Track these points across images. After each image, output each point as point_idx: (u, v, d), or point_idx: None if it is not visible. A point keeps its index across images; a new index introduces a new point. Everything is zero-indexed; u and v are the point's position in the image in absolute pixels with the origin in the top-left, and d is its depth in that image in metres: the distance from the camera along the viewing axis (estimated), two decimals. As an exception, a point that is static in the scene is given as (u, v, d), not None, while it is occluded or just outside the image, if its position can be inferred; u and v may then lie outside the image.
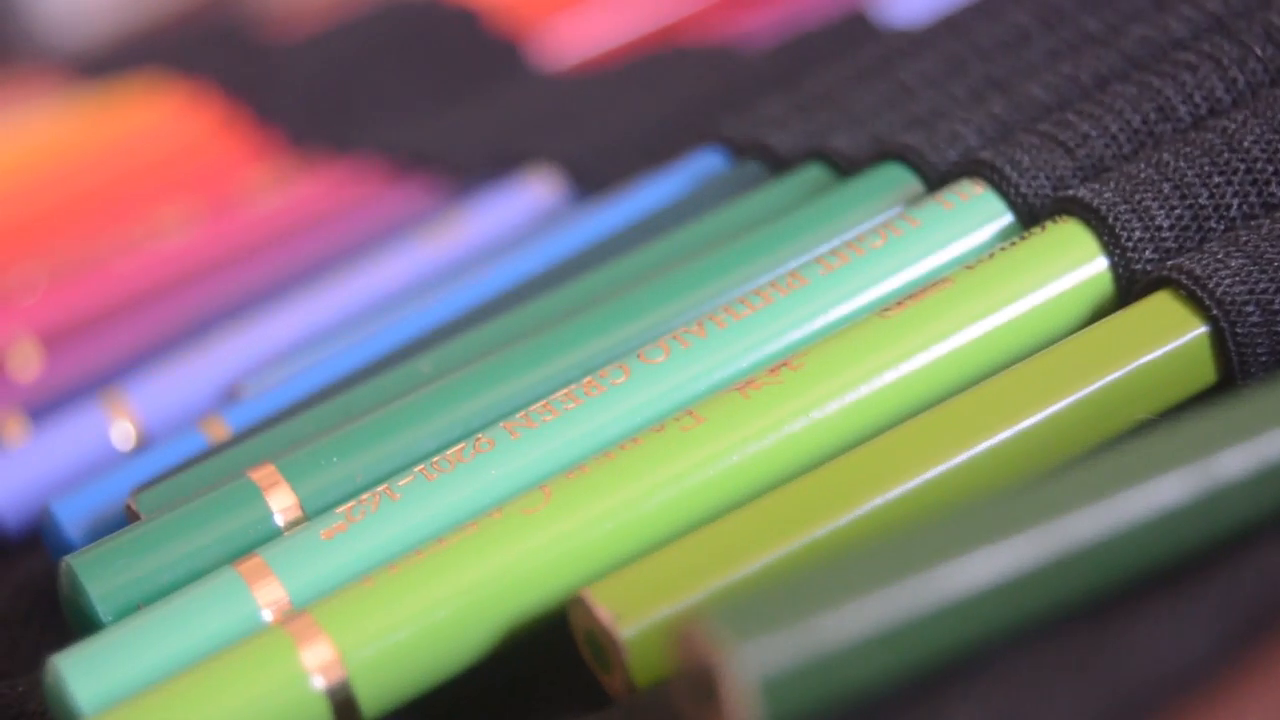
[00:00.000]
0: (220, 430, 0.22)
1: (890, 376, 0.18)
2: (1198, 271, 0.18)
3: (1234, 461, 0.15)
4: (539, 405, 0.18)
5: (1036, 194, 0.20)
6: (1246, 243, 0.18)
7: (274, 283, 0.29)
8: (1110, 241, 0.19)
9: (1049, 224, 0.19)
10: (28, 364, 0.28)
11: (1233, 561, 0.15)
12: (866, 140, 0.23)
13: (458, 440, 0.19)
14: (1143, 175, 0.19)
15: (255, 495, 0.19)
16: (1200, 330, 0.18)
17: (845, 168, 0.23)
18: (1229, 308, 0.18)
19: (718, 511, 0.17)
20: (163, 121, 0.37)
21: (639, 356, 0.19)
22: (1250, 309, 0.18)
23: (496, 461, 0.18)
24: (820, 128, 0.24)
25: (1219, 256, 0.18)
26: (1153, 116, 0.21)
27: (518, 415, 0.18)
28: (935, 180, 0.21)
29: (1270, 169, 0.19)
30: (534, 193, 0.28)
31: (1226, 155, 0.19)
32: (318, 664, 0.16)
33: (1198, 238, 0.19)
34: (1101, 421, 0.17)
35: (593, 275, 0.22)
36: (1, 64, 0.48)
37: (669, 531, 0.17)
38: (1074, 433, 0.17)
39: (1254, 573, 0.15)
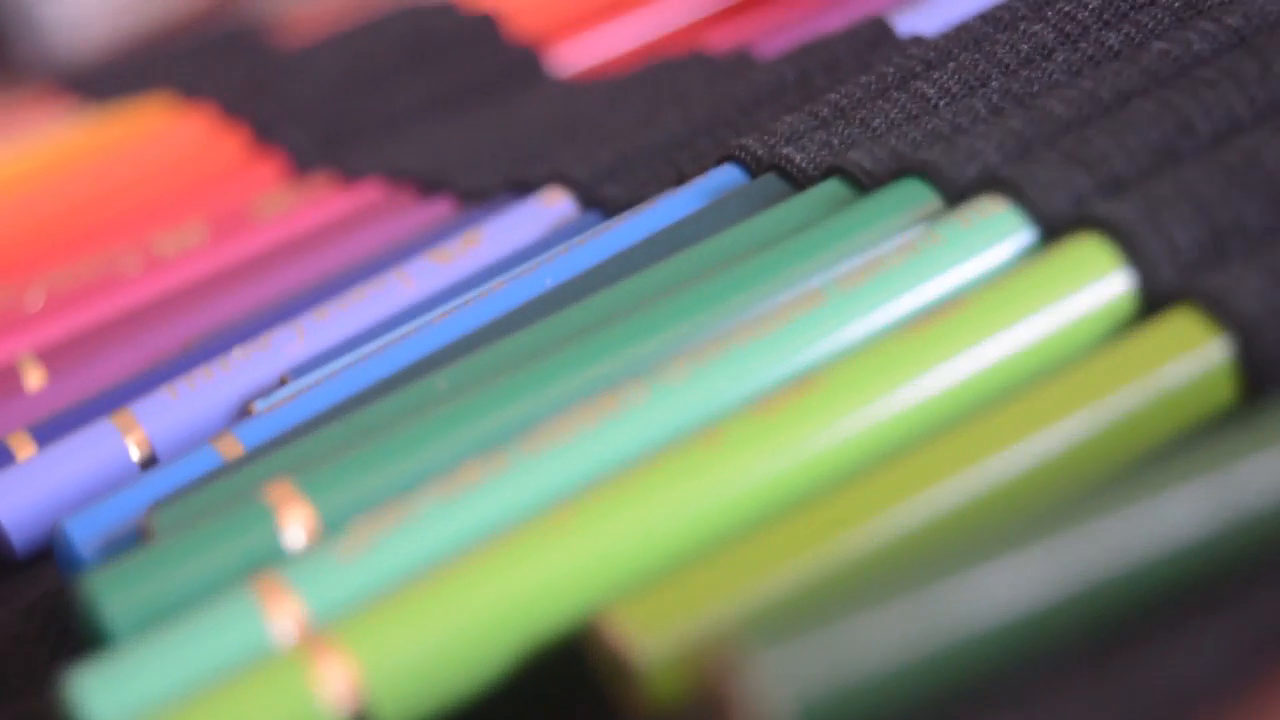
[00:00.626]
0: (233, 447, 0.22)
1: (913, 395, 0.18)
2: (1218, 290, 0.18)
3: (1256, 479, 0.15)
4: (557, 423, 0.18)
5: (1056, 211, 0.20)
6: (1268, 262, 0.18)
7: (284, 299, 0.29)
8: (1131, 259, 0.19)
9: (1069, 241, 0.20)
10: (36, 380, 0.28)
11: (1255, 579, 0.15)
12: (885, 155, 0.23)
13: (477, 457, 0.19)
14: (1163, 193, 0.20)
15: (273, 512, 0.19)
16: (1220, 349, 0.18)
17: (864, 183, 0.23)
18: (1249, 326, 0.18)
19: (738, 532, 0.17)
20: (171, 137, 0.37)
21: (657, 375, 0.19)
22: (1271, 328, 0.18)
23: (515, 479, 0.18)
24: (839, 142, 0.25)
25: (1239, 275, 0.18)
26: (1173, 133, 0.21)
27: (536, 433, 0.18)
28: (955, 196, 0.22)
29: (1292, 186, 0.19)
30: (549, 207, 0.28)
31: (1247, 173, 0.20)
32: (338, 684, 0.16)
33: (1218, 256, 0.19)
34: (1123, 439, 0.17)
35: (609, 292, 0.23)
36: (6, 79, 0.49)
37: (690, 552, 0.17)
38: (1096, 450, 0.17)
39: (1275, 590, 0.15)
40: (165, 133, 0.38)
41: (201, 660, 0.17)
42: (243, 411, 0.24)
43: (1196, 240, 0.19)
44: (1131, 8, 0.25)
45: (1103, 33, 0.25)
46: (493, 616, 0.17)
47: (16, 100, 0.45)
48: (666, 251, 0.23)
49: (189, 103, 0.39)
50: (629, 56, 0.37)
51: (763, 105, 0.29)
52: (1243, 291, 0.18)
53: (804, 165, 0.24)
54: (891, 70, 0.26)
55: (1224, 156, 0.20)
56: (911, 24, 0.30)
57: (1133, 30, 0.24)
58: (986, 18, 0.26)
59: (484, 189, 0.30)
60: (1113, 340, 0.18)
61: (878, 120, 0.25)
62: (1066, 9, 0.25)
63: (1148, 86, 0.22)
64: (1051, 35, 0.25)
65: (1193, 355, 0.18)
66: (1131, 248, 0.19)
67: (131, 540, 0.21)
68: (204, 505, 0.20)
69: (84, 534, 0.21)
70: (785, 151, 0.25)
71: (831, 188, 0.23)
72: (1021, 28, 0.25)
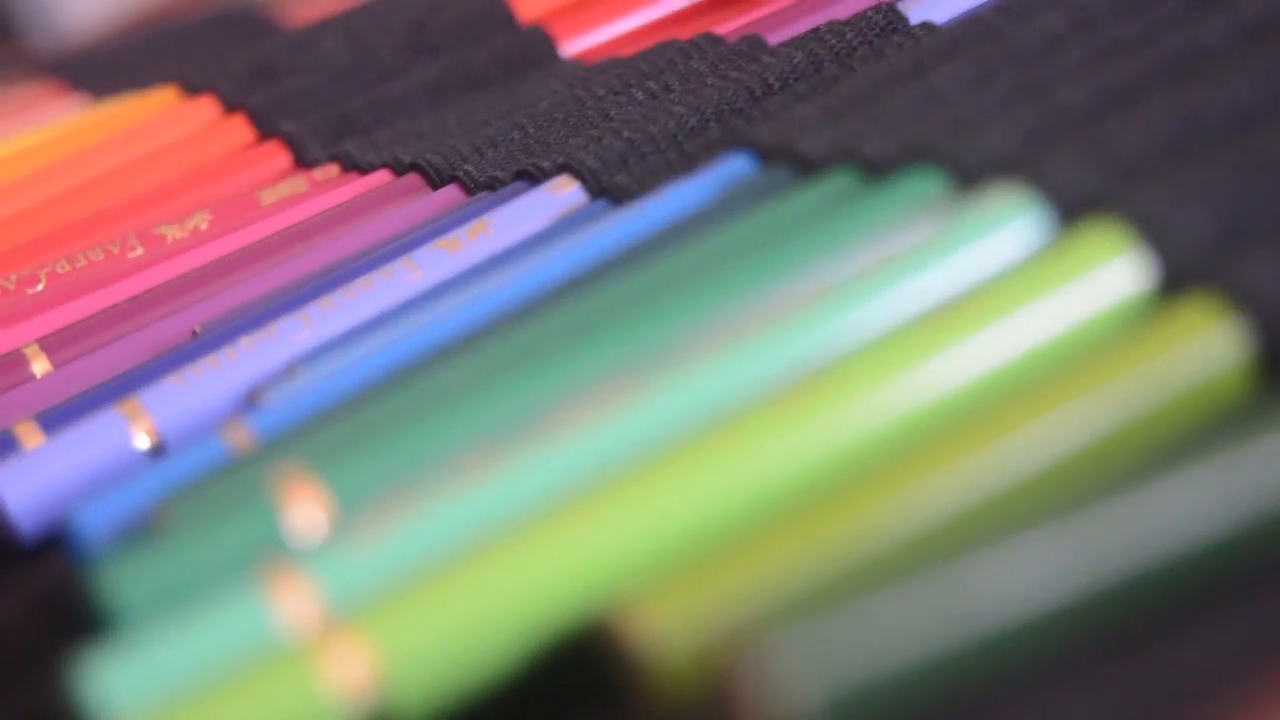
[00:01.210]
0: (242, 435, 0.23)
1: (936, 383, 0.18)
2: (1240, 276, 0.18)
3: (1275, 470, 0.15)
4: (579, 409, 0.19)
5: (1074, 197, 0.20)
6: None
7: (291, 287, 0.29)
8: (1151, 245, 0.19)
9: (1087, 228, 0.20)
10: (42, 368, 0.29)
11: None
12: (897, 144, 0.23)
13: (493, 443, 0.19)
14: (1182, 178, 0.20)
15: (288, 498, 0.19)
16: (1240, 337, 0.18)
17: (876, 172, 0.23)
18: (1271, 312, 0.18)
19: (759, 522, 0.17)
20: (175, 123, 0.38)
21: (674, 364, 0.19)
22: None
23: (533, 466, 0.18)
24: (850, 131, 0.25)
25: (1261, 261, 0.18)
26: (1188, 122, 0.21)
27: (554, 418, 0.19)
28: (969, 184, 0.22)
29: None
30: (559, 194, 0.29)
31: (1266, 161, 0.20)
32: (357, 671, 0.16)
33: (1239, 243, 0.19)
34: (1146, 425, 0.17)
35: (622, 281, 0.23)
36: (6, 63, 0.49)
37: (713, 541, 0.17)
38: (1119, 437, 0.17)
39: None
40: (168, 118, 0.38)
41: (218, 646, 0.17)
42: (251, 399, 0.25)
43: (1217, 226, 0.19)
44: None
45: (1116, 24, 0.25)
46: (515, 604, 0.17)
47: (18, 86, 0.45)
48: (678, 241, 0.24)
49: (191, 88, 0.39)
50: (637, 36, 0.37)
51: (774, 92, 0.29)
52: (1264, 277, 0.18)
53: (816, 155, 0.24)
54: (903, 60, 0.26)
55: (1242, 144, 0.20)
56: (923, 12, 0.30)
57: (1145, 22, 0.24)
58: (999, 8, 0.26)
59: (492, 176, 0.30)
60: (1134, 326, 0.19)
61: (889, 109, 0.25)
62: (1079, 0, 0.25)
63: (1161, 77, 0.23)
64: (1064, 25, 0.25)
65: (1214, 341, 0.18)
66: (1152, 233, 0.19)
67: (142, 528, 0.21)
68: (217, 493, 0.20)
69: (94, 522, 0.22)
70: (796, 141, 0.25)
71: (844, 177, 0.24)
72: (1034, 19, 0.26)
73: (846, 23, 0.30)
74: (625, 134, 0.29)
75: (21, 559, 0.25)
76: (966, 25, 0.26)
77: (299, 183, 0.34)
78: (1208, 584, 0.15)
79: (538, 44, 0.37)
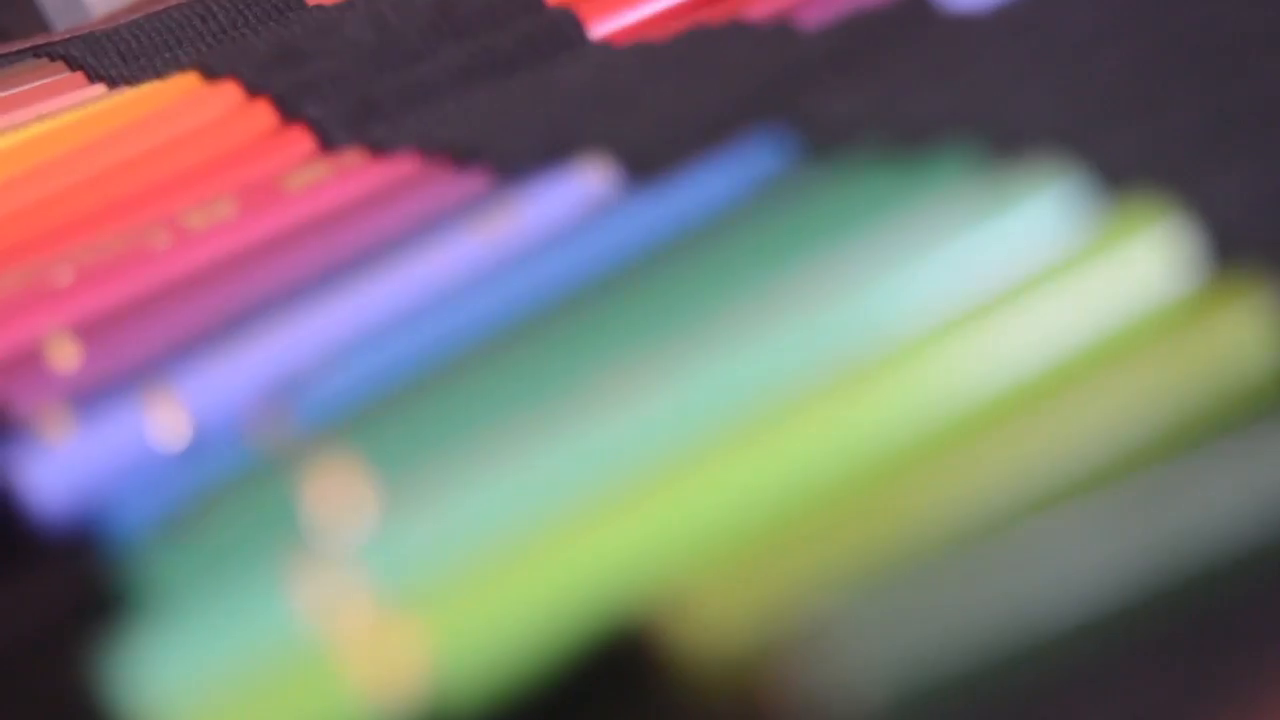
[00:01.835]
0: (279, 421, 0.23)
1: (981, 373, 0.18)
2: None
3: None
4: (615, 389, 0.19)
5: (1114, 182, 0.20)
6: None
7: (317, 274, 0.29)
8: (1193, 229, 0.19)
9: (1126, 213, 0.20)
10: (69, 357, 0.29)
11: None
12: (933, 114, 0.23)
13: (539, 423, 0.19)
14: (1220, 164, 0.20)
15: (330, 482, 0.19)
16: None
17: (914, 144, 0.23)
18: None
19: (805, 516, 0.17)
20: (197, 108, 0.38)
21: (705, 350, 0.19)
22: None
23: (577, 447, 0.18)
24: (883, 112, 0.25)
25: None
26: (1230, 105, 0.21)
27: (593, 399, 0.19)
28: (1007, 166, 0.22)
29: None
30: (590, 179, 0.28)
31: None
32: (409, 658, 0.16)
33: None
34: (1200, 416, 0.17)
35: (659, 263, 0.23)
36: (24, 54, 0.49)
37: (759, 534, 0.17)
38: (1172, 431, 0.17)
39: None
40: (190, 104, 0.38)
41: (263, 633, 0.17)
42: (285, 386, 0.25)
43: (1260, 209, 0.19)
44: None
45: (1152, 13, 0.25)
46: (572, 594, 0.17)
47: (37, 70, 0.45)
48: (716, 221, 0.24)
49: (212, 72, 0.39)
50: (666, 18, 0.37)
51: (806, 80, 0.29)
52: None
53: (848, 136, 0.24)
54: (933, 44, 0.26)
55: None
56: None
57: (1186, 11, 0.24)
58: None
59: (522, 160, 0.30)
60: (1179, 312, 0.19)
61: (922, 90, 0.25)
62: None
63: (1202, 61, 0.23)
64: (1101, 15, 0.25)
65: (1261, 327, 0.18)
66: (1192, 218, 0.19)
67: (176, 517, 0.21)
68: (255, 479, 0.20)
69: (128, 511, 0.22)
70: (827, 123, 0.25)
71: (880, 151, 0.23)
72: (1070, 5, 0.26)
73: (881, 9, 0.30)
74: (657, 117, 0.29)
75: (51, 549, 0.25)
76: (1004, 11, 0.26)
77: (324, 168, 0.34)
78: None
79: (566, 26, 0.37)
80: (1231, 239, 0.19)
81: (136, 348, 0.28)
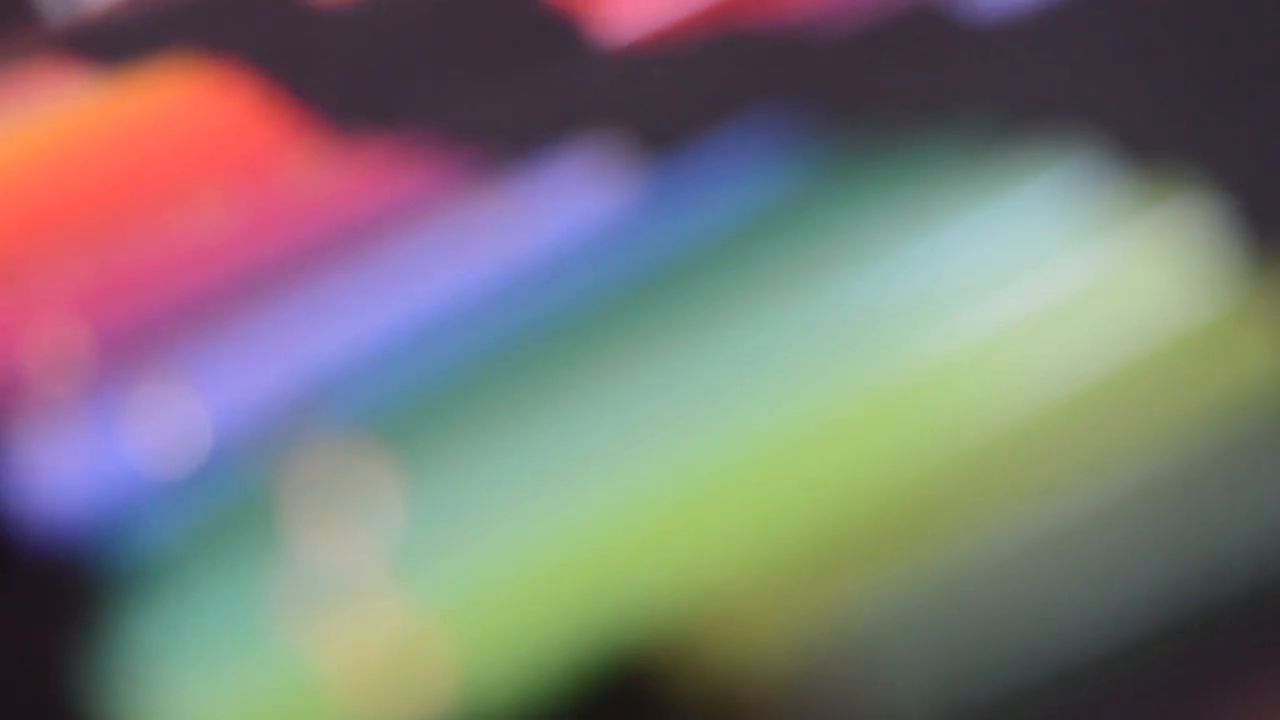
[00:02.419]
0: (295, 428, 0.22)
1: (1023, 386, 0.18)
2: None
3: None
4: (663, 391, 0.19)
5: (1144, 165, 0.20)
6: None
7: (325, 269, 0.29)
8: (1228, 213, 0.19)
9: (1160, 196, 0.20)
10: (76, 355, 0.28)
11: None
12: (950, 119, 0.23)
13: (569, 430, 0.19)
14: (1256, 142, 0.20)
15: (355, 485, 0.19)
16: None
17: (932, 148, 0.23)
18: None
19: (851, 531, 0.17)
20: (200, 102, 0.37)
21: (733, 356, 0.19)
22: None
23: (619, 458, 0.18)
24: (899, 111, 0.25)
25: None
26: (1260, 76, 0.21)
27: (633, 408, 0.19)
28: (1033, 154, 0.22)
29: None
30: (603, 171, 0.28)
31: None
32: (437, 667, 0.16)
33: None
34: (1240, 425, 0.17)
35: (681, 258, 0.23)
36: (19, 41, 0.48)
37: (791, 550, 0.17)
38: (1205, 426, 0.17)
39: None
40: (192, 99, 0.38)
41: (288, 645, 0.17)
42: (300, 392, 0.25)
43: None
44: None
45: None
46: (600, 608, 0.16)
47: (34, 63, 0.45)
48: (741, 214, 0.24)
49: (214, 67, 0.39)
50: (677, 25, 0.37)
51: (827, 85, 0.29)
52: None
53: (864, 136, 0.24)
54: (949, 50, 0.26)
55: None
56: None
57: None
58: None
59: (532, 153, 0.30)
60: (1214, 300, 0.18)
61: (936, 93, 0.25)
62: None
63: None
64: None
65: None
66: (1226, 203, 0.19)
67: (195, 520, 0.21)
68: (272, 483, 0.20)
69: (144, 516, 0.22)
70: (841, 125, 0.25)
71: (893, 155, 0.23)
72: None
73: (901, 13, 0.30)
74: (673, 111, 0.29)
75: (58, 560, 0.25)
76: (1028, 18, 0.26)
77: (331, 163, 0.34)
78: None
79: (573, 22, 0.37)
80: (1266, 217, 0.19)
81: (150, 343, 0.28)
